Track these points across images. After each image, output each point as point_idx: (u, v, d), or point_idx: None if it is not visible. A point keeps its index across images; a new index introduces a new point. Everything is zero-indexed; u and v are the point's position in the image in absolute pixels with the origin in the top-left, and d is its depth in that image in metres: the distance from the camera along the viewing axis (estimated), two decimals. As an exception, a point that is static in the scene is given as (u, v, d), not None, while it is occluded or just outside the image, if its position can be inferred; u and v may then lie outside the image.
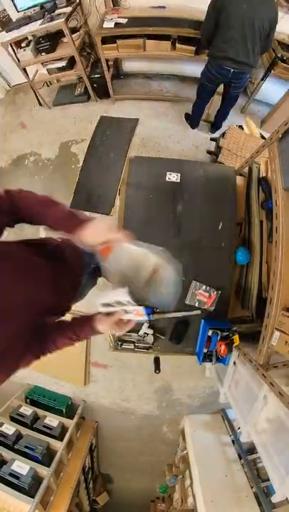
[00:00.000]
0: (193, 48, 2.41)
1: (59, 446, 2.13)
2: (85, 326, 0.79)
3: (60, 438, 2.22)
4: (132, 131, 1.43)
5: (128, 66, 3.08)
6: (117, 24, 2.39)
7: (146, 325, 1.34)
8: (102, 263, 0.73)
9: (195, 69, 2.90)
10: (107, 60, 2.66)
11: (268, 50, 2.23)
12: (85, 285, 1.11)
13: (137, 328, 1.35)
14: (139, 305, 0.68)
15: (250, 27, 1.89)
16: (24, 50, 2.54)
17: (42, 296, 0.73)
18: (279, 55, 2.37)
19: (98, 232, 0.68)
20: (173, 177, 1.38)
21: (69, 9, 2.45)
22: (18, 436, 2.11)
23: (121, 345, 1.37)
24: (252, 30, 1.91)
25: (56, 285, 0.80)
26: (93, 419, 2.78)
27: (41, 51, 2.58)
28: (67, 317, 0.87)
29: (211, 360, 1.32)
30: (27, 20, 2.50)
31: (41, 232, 2.64)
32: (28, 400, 2.55)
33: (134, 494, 3.49)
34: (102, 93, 2.97)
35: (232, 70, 2.10)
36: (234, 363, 1.42)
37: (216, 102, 2.61)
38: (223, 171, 1.51)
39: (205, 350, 1.31)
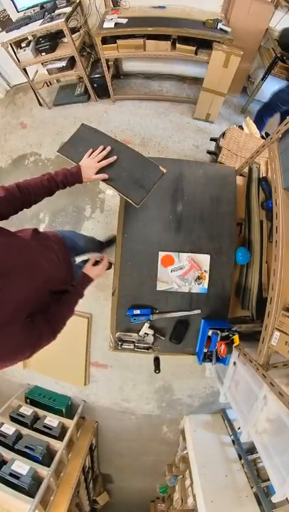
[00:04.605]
0: (194, 48, 2.41)
1: (59, 446, 2.13)
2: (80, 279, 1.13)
3: (60, 438, 2.22)
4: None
5: (128, 66, 3.08)
6: (117, 24, 2.39)
7: (146, 325, 1.34)
8: None
9: (195, 69, 2.91)
10: (107, 60, 2.66)
11: None
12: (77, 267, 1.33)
13: (137, 328, 1.36)
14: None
15: None
16: (24, 50, 2.54)
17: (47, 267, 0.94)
18: (279, 55, 2.37)
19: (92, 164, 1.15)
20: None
21: (69, 9, 2.45)
22: (18, 436, 2.11)
23: (121, 345, 1.37)
24: None
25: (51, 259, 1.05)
26: (93, 419, 2.78)
27: (41, 51, 2.58)
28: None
29: (211, 360, 1.32)
30: (27, 20, 2.49)
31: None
32: (28, 400, 2.54)
33: (134, 494, 3.49)
34: (102, 93, 2.97)
35: None
36: (234, 363, 1.42)
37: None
38: (223, 171, 1.51)
39: (205, 350, 1.31)
